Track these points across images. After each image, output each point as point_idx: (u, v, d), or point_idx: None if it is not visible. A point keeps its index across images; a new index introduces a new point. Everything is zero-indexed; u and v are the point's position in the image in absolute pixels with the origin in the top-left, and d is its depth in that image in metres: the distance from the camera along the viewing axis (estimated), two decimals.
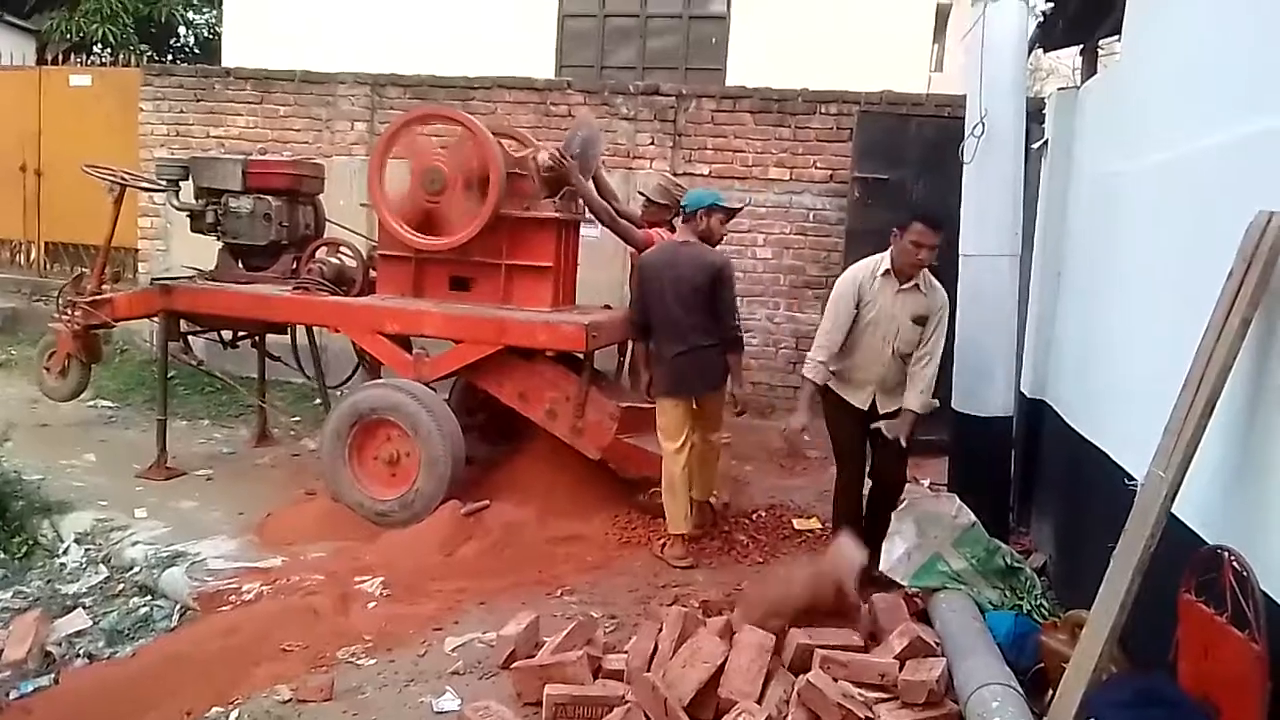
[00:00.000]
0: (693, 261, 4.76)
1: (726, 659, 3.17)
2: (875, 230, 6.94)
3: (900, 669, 3.18)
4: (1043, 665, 3.27)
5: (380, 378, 5.81)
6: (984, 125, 4.56)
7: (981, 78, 4.61)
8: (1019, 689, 2.99)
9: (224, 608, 4.29)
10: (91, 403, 7.40)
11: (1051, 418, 4.81)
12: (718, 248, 5.00)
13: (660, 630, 3.47)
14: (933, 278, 4.40)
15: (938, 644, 3.38)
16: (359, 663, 3.70)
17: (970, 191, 4.69)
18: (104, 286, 6.43)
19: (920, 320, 4.33)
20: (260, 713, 3.32)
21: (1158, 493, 2.59)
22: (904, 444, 4.39)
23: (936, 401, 4.44)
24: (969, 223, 4.71)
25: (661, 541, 4.91)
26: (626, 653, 3.47)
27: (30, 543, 5.12)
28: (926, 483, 5.90)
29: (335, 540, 4.98)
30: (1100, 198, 4.36)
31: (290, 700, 3.37)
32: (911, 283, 4.33)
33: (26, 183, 9.97)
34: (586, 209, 5.59)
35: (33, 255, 10.23)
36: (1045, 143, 5.29)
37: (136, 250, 9.00)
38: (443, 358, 5.41)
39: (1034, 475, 5.14)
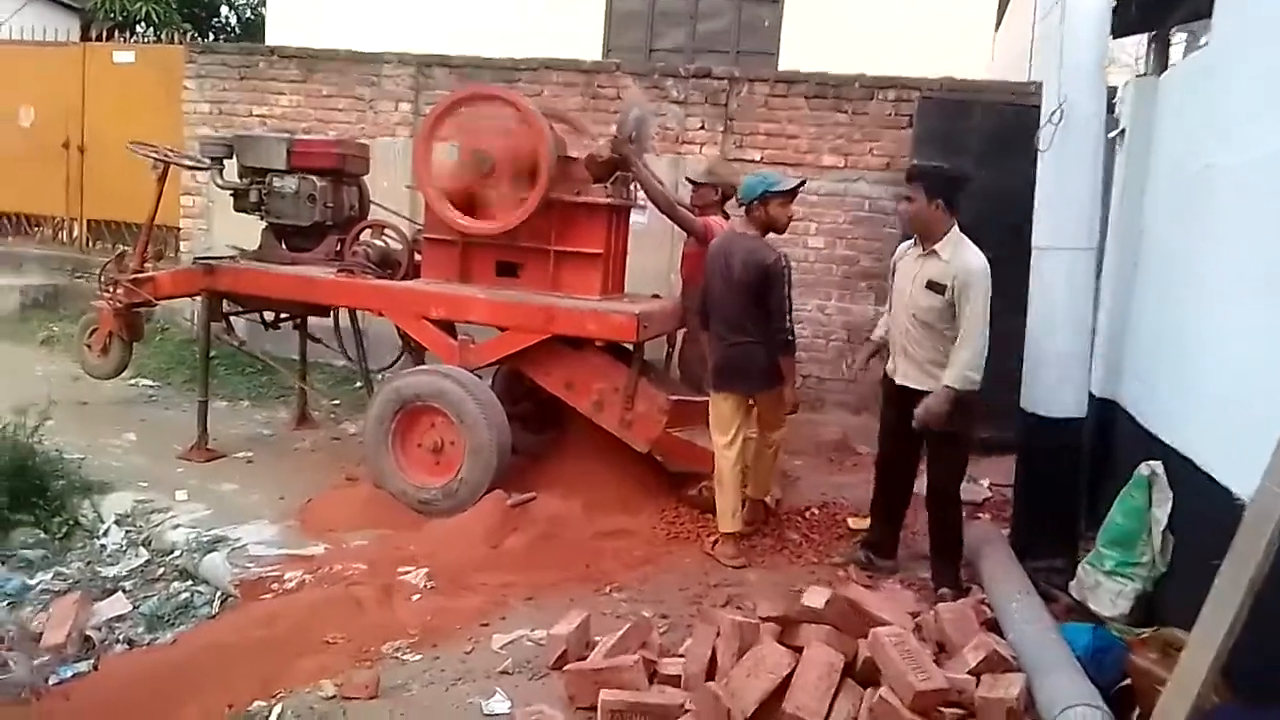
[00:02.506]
0: (745, 257, 4.56)
1: (793, 670, 3.01)
2: None
3: (976, 685, 3.00)
4: (1128, 684, 3.08)
5: (424, 363, 5.69)
6: (1062, 112, 4.34)
7: (1061, 62, 4.38)
8: (1109, 711, 2.80)
9: (265, 595, 4.19)
10: (132, 381, 7.36)
11: (1123, 419, 4.59)
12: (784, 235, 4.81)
13: (718, 634, 3.32)
14: (964, 245, 4.13)
15: (1014, 658, 3.20)
16: (404, 658, 3.59)
17: (1046, 182, 4.46)
18: (146, 265, 6.37)
19: (935, 287, 4.12)
20: (304, 709, 3.21)
21: (1272, 510, 2.39)
22: (941, 438, 4.19)
23: (976, 380, 4.04)
24: (1043, 214, 4.48)
25: (713, 539, 4.76)
26: (682, 656, 3.33)
27: (71, 523, 5.02)
28: (985, 483, 5.71)
29: (377, 528, 4.87)
30: (1185, 190, 4.12)
31: (335, 696, 3.26)
32: (930, 247, 4.19)
33: (70, 159, 9.96)
34: (639, 194, 5.43)
35: (75, 232, 10.25)
36: (1121, 132, 5.04)
37: (179, 229, 8.94)
38: (488, 345, 5.28)
39: (1104, 479, 4.91)
